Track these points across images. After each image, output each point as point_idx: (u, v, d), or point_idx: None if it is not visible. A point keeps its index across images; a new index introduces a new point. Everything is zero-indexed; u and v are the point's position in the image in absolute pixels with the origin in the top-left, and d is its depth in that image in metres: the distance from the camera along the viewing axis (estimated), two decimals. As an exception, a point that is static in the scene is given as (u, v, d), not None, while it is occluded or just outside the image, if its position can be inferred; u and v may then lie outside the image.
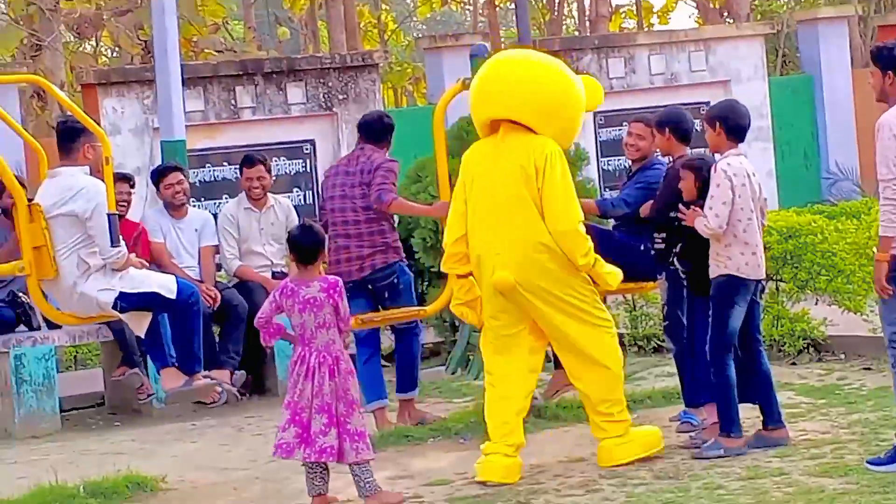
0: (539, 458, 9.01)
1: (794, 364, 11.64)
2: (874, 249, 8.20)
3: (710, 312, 8.89)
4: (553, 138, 8.76)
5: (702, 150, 10.22)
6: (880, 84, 8.19)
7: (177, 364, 9.71)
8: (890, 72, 8.13)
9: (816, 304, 12.15)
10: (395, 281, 10.39)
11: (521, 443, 8.75)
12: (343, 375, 8.21)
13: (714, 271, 8.88)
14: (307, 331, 8.24)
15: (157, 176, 12.25)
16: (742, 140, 8.97)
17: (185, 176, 12.28)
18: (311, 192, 17.40)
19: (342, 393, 8.18)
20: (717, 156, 9.03)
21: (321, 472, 8.22)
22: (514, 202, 8.68)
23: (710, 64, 19.90)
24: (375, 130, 10.63)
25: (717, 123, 8.93)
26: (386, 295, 10.42)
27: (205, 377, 10.06)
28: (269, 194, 12.29)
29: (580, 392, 9.00)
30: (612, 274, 8.85)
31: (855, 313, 11.77)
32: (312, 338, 8.23)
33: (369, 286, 10.39)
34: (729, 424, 8.85)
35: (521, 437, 8.77)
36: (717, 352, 8.85)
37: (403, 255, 10.56)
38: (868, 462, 8.17)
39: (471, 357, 9.99)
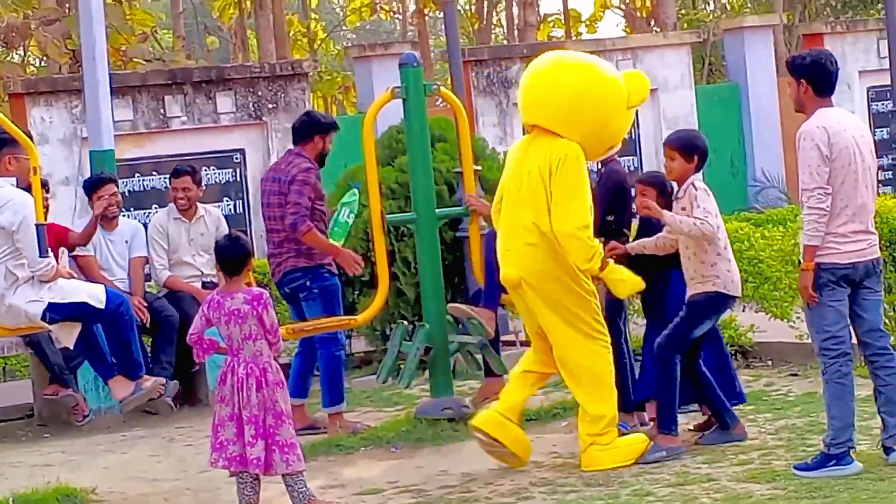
0: (470, 467, 9.01)
1: (722, 370, 11.70)
2: (800, 258, 8.27)
3: (681, 318, 8.97)
4: (583, 140, 8.83)
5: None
6: (796, 93, 8.32)
7: (119, 372, 9.66)
8: (804, 80, 8.23)
9: (744, 310, 12.21)
10: (307, 284, 10.37)
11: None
12: (270, 387, 8.16)
13: (698, 288, 8.93)
14: (234, 342, 8.21)
15: (91, 187, 12.09)
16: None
17: (117, 188, 12.20)
18: (241, 202, 17.32)
19: (270, 405, 8.14)
20: (673, 184, 9.20)
21: (251, 483, 8.19)
22: (527, 202, 8.80)
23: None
24: (297, 129, 10.69)
25: (688, 154, 9.07)
26: (301, 301, 10.43)
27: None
28: (198, 204, 12.25)
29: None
30: (625, 282, 8.95)
31: (781, 320, 11.84)
32: (239, 349, 8.20)
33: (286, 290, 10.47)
34: (669, 422, 8.93)
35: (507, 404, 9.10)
36: (671, 351, 8.92)
37: (326, 261, 10.48)
38: (795, 468, 8.24)
39: (401, 366, 9.98)
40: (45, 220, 11.61)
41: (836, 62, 8.38)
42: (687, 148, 9.06)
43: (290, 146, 14.44)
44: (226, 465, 8.19)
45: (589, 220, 8.73)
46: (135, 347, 9.70)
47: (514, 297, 9.02)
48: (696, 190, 8.93)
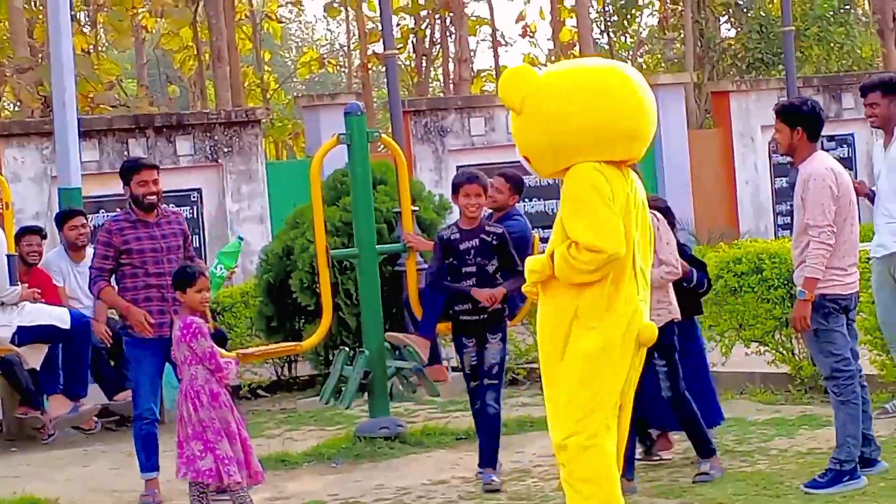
0: (405, 482, 8.99)
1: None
2: (800, 289, 8.07)
3: (668, 362, 8.53)
4: (575, 163, 6.46)
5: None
6: (788, 139, 8.18)
7: (62, 391, 9.60)
8: (799, 128, 8.16)
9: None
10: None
11: None
12: (206, 408, 8.13)
13: (662, 320, 8.24)
14: (180, 365, 8.20)
15: (62, 218, 12.10)
16: None
17: (86, 220, 12.16)
18: (197, 237, 17.27)
19: (208, 423, 8.11)
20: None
21: (199, 495, 8.15)
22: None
23: (561, 124, 20.05)
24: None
25: None
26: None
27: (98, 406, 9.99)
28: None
29: None
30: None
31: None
32: (183, 372, 8.21)
33: None
34: (709, 447, 8.59)
35: None
36: (677, 388, 8.56)
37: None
38: (806, 486, 8.01)
39: (343, 388, 9.97)
40: (39, 263, 11.64)
41: (823, 111, 8.36)
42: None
43: (243, 187, 14.45)
44: (193, 476, 8.16)
45: (582, 241, 6.42)
46: (84, 369, 9.65)
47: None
48: (665, 227, 8.54)
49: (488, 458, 8.84)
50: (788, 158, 8.43)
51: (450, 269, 8.81)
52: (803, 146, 8.18)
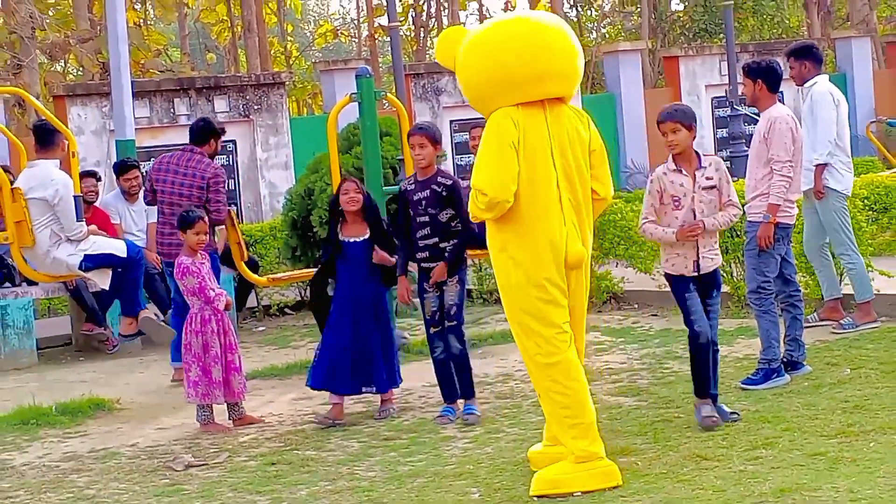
0: (408, 383, 8.99)
1: (599, 312, 11.75)
2: (764, 213, 7.99)
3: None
4: (495, 108, 6.21)
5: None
6: (752, 91, 8.15)
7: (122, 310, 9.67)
8: (759, 80, 8.11)
9: (616, 266, 12.27)
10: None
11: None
12: (191, 332, 8.10)
13: (716, 263, 7.16)
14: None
15: (119, 170, 12.11)
16: None
17: (139, 172, 12.14)
18: (233, 180, 17.25)
19: (197, 347, 8.11)
20: None
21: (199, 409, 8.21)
22: (585, 173, 6.39)
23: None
24: (195, 133, 9.82)
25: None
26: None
27: (161, 320, 10.04)
28: None
29: None
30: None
31: (645, 273, 11.91)
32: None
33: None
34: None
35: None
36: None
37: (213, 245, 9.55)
38: (742, 383, 7.99)
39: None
40: (96, 202, 11.66)
41: (782, 67, 8.25)
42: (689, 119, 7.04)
43: (271, 139, 14.34)
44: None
45: (484, 183, 6.14)
46: (137, 291, 9.72)
47: (569, 276, 6.24)
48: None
49: (465, 391, 7.93)
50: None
51: (408, 219, 7.86)
52: (764, 96, 8.17)
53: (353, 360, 8.01)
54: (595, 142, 6.34)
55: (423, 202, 7.77)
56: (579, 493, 6.01)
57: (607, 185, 6.39)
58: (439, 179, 7.78)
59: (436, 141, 7.89)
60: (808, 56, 9.27)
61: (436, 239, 7.76)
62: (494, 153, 6.06)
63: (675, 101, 21.72)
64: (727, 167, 7.30)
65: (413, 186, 7.84)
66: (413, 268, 8.06)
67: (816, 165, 9.27)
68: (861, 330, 9.40)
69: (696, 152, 7.08)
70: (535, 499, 6.01)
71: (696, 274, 7.08)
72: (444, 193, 7.78)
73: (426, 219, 7.76)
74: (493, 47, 6.13)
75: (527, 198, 6.08)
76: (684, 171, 7.02)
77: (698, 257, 7.05)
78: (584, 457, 6.08)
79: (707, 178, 7.04)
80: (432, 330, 7.90)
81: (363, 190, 8.13)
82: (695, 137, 7.05)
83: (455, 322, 7.84)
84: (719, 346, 7.41)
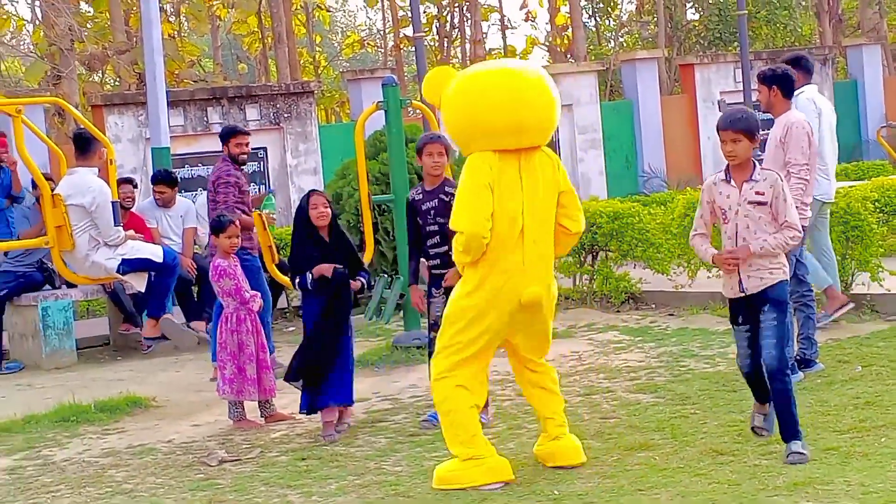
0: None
1: (618, 312, 11.73)
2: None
3: (777, 318, 6.34)
4: (474, 151, 6.31)
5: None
6: (766, 97, 8.12)
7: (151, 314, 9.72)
8: (774, 87, 8.09)
9: (634, 267, 12.26)
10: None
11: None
12: (227, 332, 8.12)
13: (775, 278, 6.39)
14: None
15: (155, 181, 12.05)
16: None
17: (168, 188, 11.88)
18: (265, 186, 17.30)
19: (233, 346, 8.13)
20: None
21: (231, 405, 8.25)
22: (551, 215, 6.46)
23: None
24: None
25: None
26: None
27: (185, 326, 10.05)
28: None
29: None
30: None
31: (661, 274, 11.89)
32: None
33: None
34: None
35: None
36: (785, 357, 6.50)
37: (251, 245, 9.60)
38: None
39: (382, 308, 9.97)
40: (133, 208, 11.67)
41: (794, 74, 8.24)
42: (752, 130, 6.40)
43: (300, 146, 14.30)
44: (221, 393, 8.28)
45: (465, 225, 6.26)
46: (167, 296, 9.74)
47: (520, 316, 6.26)
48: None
49: None
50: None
51: (417, 229, 7.66)
52: (779, 102, 8.14)
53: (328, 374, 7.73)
54: (564, 183, 6.38)
55: (432, 211, 7.61)
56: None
57: (578, 220, 6.42)
58: (447, 189, 7.59)
59: (449, 150, 7.78)
60: (797, 66, 9.21)
61: (446, 247, 7.35)
62: (470, 192, 6.12)
63: (691, 106, 21.70)
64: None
65: (421, 196, 7.68)
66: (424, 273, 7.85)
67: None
68: (835, 318, 9.43)
69: (754, 162, 6.40)
70: (555, 492, 6.02)
71: (742, 294, 6.37)
72: (451, 202, 7.17)
73: (435, 228, 7.58)
74: (475, 97, 6.20)
75: (494, 238, 6.14)
76: (733, 182, 6.35)
77: (741, 277, 6.34)
78: (468, 455, 6.22)
79: (757, 193, 6.29)
80: (432, 334, 7.48)
81: (331, 205, 7.87)
82: (756, 147, 6.38)
83: None
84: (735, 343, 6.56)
